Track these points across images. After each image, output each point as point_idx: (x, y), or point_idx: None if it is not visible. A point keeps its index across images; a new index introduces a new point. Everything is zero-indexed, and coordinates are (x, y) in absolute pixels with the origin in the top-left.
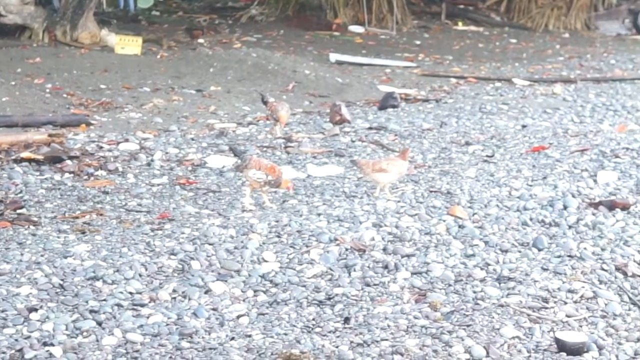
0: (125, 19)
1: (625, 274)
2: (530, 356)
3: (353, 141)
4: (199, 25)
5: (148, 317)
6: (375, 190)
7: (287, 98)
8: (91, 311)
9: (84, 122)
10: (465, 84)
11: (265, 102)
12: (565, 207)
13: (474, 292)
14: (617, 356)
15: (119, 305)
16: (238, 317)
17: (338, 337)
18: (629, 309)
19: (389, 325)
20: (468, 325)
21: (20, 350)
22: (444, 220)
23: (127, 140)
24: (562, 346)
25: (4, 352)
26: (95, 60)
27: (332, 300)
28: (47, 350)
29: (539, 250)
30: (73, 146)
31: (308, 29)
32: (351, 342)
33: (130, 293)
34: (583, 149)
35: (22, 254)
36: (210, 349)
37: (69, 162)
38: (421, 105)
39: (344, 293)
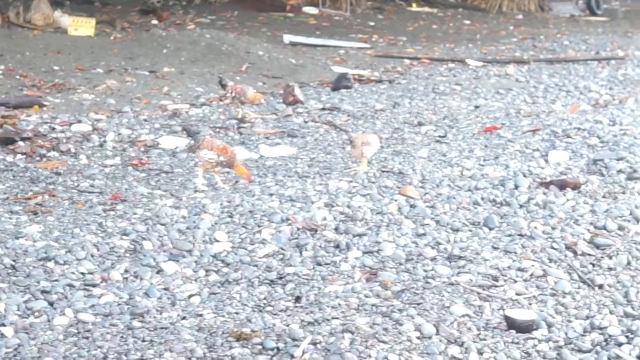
0: (78, 1)
1: (575, 252)
2: (480, 334)
3: (306, 122)
4: (153, 7)
5: (100, 297)
6: (358, 165)
7: (241, 79)
8: (43, 291)
9: (36, 104)
10: (419, 65)
11: (223, 85)
12: (516, 187)
13: (425, 270)
14: (566, 333)
15: (70, 285)
16: (189, 296)
17: (289, 315)
18: (579, 287)
19: (339, 304)
20: (418, 304)
21: None
22: (396, 200)
23: (79, 122)
24: (511, 324)
25: None
26: (48, 41)
27: (283, 279)
28: None
29: (490, 229)
30: (25, 127)
31: (262, 10)
32: (302, 320)
33: (82, 273)
34: (535, 129)
35: None
36: (162, 328)
37: (21, 143)
38: (374, 86)
39: (296, 272)
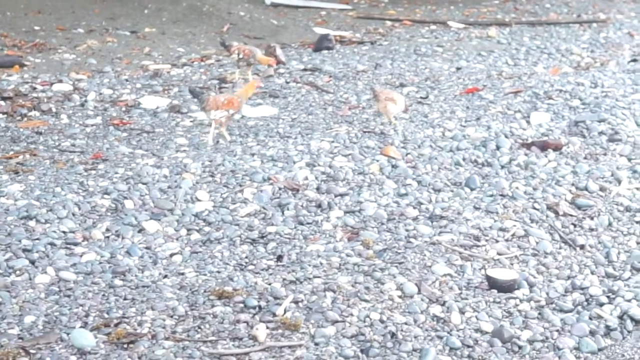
0: None
1: (556, 213)
2: (461, 293)
3: (287, 82)
4: None
5: (81, 256)
6: (386, 118)
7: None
8: (24, 250)
9: (17, 63)
10: (401, 26)
11: (227, 46)
12: (498, 148)
13: (407, 230)
14: (547, 293)
15: (52, 244)
16: (171, 255)
17: (271, 274)
18: (560, 248)
19: (321, 263)
20: (400, 263)
21: None
22: (378, 160)
23: (60, 81)
24: (493, 283)
25: None
26: (29, 1)
27: (265, 238)
28: None
29: (472, 189)
30: (6, 87)
31: None
32: (284, 279)
33: (64, 232)
34: (516, 91)
35: None
36: (144, 286)
37: (2, 102)
38: (356, 47)
39: (277, 232)
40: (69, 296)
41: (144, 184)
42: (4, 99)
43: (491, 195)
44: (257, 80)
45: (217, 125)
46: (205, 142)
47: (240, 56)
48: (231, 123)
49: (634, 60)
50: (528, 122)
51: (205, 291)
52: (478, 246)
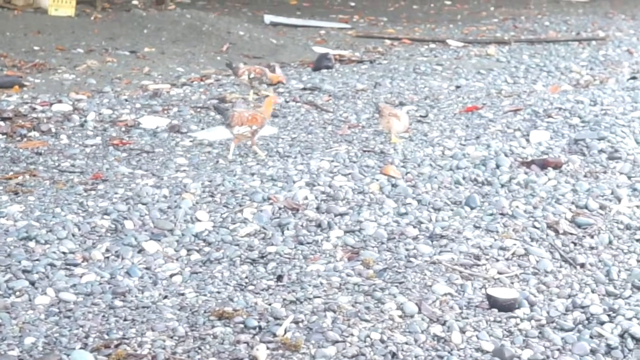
0: None
1: (556, 231)
2: (462, 312)
3: (287, 101)
4: None
5: (81, 277)
6: (390, 135)
7: (222, 59)
8: (24, 271)
9: (17, 84)
10: (400, 45)
11: (233, 68)
12: (497, 166)
13: (407, 249)
14: (548, 312)
15: (51, 265)
16: (171, 275)
17: (271, 294)
18: (560, 266)
19: (321, 283)
20: (400, 283)
21: None
22: (377, 180)
23: (60, 102)
24: (493, 302)
25: None
26: (28, 21)
27: (265, 258)
28: None
29: (472, 208)
30: (6, 107)
31: None
32: (284, 299)
33: (63, 253)
34: (516, 109)
35: None
36: (144, 307)
37: (2, 123)
38: (355, 66)
39: (277, 251)
40: (69, 317)
41: (143, 204)
42: (4, 119)
43: (491, 214)
44: (274, 97)
45: (236, 140)
46: (228, 157)
47: (252, 76)
48: (257, 142)
49: (634, 78)
50: (528, 140)
51: (205, 312)
52: (478, 265)
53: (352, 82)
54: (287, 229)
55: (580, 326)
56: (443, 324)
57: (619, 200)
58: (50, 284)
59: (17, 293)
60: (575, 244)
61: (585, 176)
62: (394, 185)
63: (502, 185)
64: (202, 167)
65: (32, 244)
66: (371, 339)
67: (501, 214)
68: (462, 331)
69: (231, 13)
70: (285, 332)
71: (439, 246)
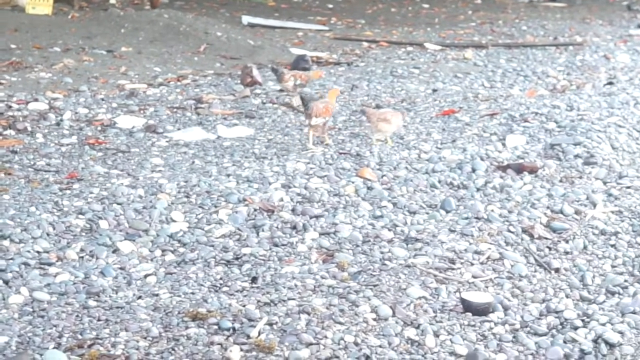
0: None
1: (531, 236)
2: (436, 316)
3: (264, 103)
4: None
5: (55, 276)
6: (378, 137)
7: (199, 60)
8: None
9: None
10: (377, 48)
11: (279, 74)
12: (473, 170)
13: (382, 252)
14: (522, 317)
15: (26, 264)
16: (145, 276)
17: (245, 296)
18: (535, 271)
19: (296, 285)
20: (375, 285)
21: None
22: (353, 182)
23: (36, 100)
24: (467, 306)
25: None
26: (5, 19)
27: (240, 260)
28: None
29: (447, 212)
30: None
31: None
32: (258, 301)
33: (38, 252)
34: (493, 113)
35: None
36: (117, 307)
37: None
38: (333, 68)
39: (252, 253)
40: (42, 317)
41: (118, 204)
42: None
43: (466, 218)
44: (337, 89)
45: (313, 130)
46: (309, 148)
47: (298, 82)
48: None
49: (610, 83)
50: (504, 144)
51: (179, 312)
52: (453, 269)
53: (329, 84)
54: (262, 231)
55: (554, 331)
56: (417, 328)
57: (594, 205)
58: (24, 283)
59: None
60: (550, 248)
61: (560, 181)
62: (370, 188)
63: (478, 189)
64: (178, 168)
65: (6, 242)
66: (345, 341)
67: (476, 217)
68: (436, 335)
69: (209, 14)
70: (259, 334)
71: (414, 249)
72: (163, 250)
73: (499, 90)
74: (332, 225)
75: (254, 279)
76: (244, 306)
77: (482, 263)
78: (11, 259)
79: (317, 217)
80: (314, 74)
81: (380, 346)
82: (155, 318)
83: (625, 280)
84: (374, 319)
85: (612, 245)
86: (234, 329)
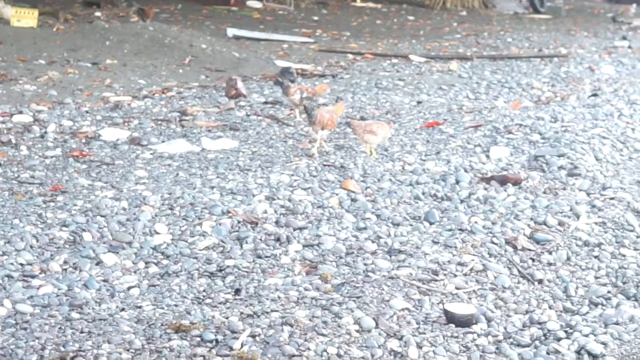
0: None
1: (515, 247)
2: (419, 327)
3: (248, 115)
4: None
5: (38, 288)
6: (364, 149)
7: (184, 72)
8: None
9: None
10: (362, 60)
11: (285, 88)
12: (457, 182)
13: (365, 264)
14: (505, 328)
15: (9, 276)
16: (129, 288)
17: (228, 308)
18: (518, 282)
19: (279, 297)
20: (358, 297)
21: None
22: (337, 194)
23: (21, 113)
24: (451, 318)
25: None
26: None
27: (223, 272)
28: None
29: (431, 223)
30: None
31: (206, 4)
32: (241, 313)
33: (21, 264)
34: (477, 125)
35: None
36: (100, 319)
37: None
38: (317, 80)
39: (235, 265)
40: (25, 329)
41: (102, 216)
42: None
43: (450, 230)
44: (343, 103)
45: (321, 140)
46: (312, 153)
47: (305, 95)
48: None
49: (594, 95)
50: (488, 156)
51: (162, 325)
52: (436, 280)
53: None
54: (246, 243)
55: (537, 342)
56: (400, 339)
57: (578, 216)
58: (7, 296)
59: None
60: (533, 260)
61: (544, 192)
62: (354, 200)
63: (462, 201)
64: (162, 180)
65: None
66: (328, 353)
67: (460, 229)
68: (419, 346)
69: (194, 26)
70: (242, 346)
71: (397, 261)
72: (146, 263)
73: (483, 102)
74: (316, 237)
75: (237, 291)
76: (226, 318)
77: (465, 274)
78: None
79: (300, 229)
80: (320, 88)
81: (363, 358)
82: (138, 330)
83: (609, 292)
84: (357, 331)
85: (596, 257)
86: (216, 340)
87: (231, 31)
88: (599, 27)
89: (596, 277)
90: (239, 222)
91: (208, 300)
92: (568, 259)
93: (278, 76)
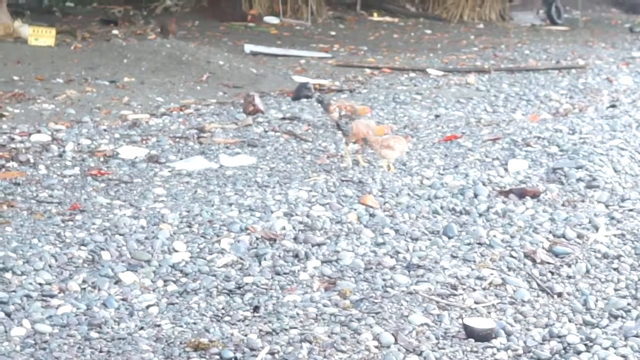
0: (39, 10)
1: (534, 260)
2: (438, 342)
3: (266, 131)
4: (114, 17)
5: (57, 308)
6: (382, 164)
7: (201, 89)
8: (0, 302)
9: None
10: (380, 74)
11: (326, 105)
12: (475, 196)
13: (384, 279)
14: (525, 342)
15: (28, 296)
16: (147, 307)
17: (247, 325)
18: (538, 296)
19: (298, 314)
20: (377, 313)
21: None
22: (355, 209)
23: (39, 132)
24: (470, 332)
25: None
26: (8, 51)
27: (241, 289)
28: None
29: (449, 238)
30: None
31: (223, 20)
32: (260, 330)
33: (40, 284)
34: (495, 138)
35: None
36: (119, 339)
37: None
38: (335, 95)
39: (254, 282)
40: (44, 349)
41: (121, 234)
42: None
43: (469, 244)
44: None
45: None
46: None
47: (343, 113)
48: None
49: (613, 106)
50: (506, 169)
51: (181, 343)
52: (455, 295)
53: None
54: (264, 259)
55: (557, 356)
56: (419, 355)
57: (597, 229)
58: (26, 316)
59: None
60: (552, 273)
61: (563, 205)
62: (372, 215)
63: (480, 215)
64: (180, 198)
65: (8, 275)
66: None
67: (479, 243)
68: None
69: (211, 43)
70: None
71: (416, 276)
72: (165, 281)
73: (501, 115)
74: (334, 253)
75: (255, 308)
76: (245, 335)
77: (484, 289)
78: (13, 291)
79: (319, 245)
80: (362, 110)
81: None
82: (157, 349)
83: (629, 304)
84: (376, 347)
85: (615, 269)
86: (235, 358)
87: (248, 47)
88: (617, 37)
89: (616, 290)
90: (257, 238)
91: (227, 318)
92: (587, 271)
93: (318, 97)
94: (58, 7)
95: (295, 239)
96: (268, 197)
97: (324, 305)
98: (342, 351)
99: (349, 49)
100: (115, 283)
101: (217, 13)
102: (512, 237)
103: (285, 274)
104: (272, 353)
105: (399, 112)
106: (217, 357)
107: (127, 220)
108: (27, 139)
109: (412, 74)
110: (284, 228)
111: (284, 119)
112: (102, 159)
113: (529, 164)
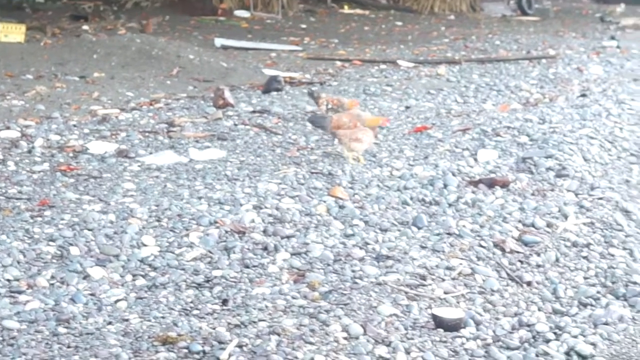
0: (8, 7)
1: (503, 250)
2: (407, 333)
3: (236, 125)
4: (84, 12)
5: (25, 304)
6: (348, 156)
7: (171, 83)
8: None
9: None
10: (351, 66)
11: (316, 98)
12: (445, 186)
13: (353, 271)
14: (494, 331)
15: None
16: (116, 301)
17: (216, 318)
18: (507, 285)
19: (267, 306)
20: (346, 304)
21: None
22: (325, 201)
23: (8, 128)
24: (439, 322)
25: None
26: None
27: (210, 282)
28: None
29: (419, 228)
30: None
31: (193, 15)
32: (229, 323)
33: (8, 280)
34: (465, 129)
35: None
36: (87, 334)
37: None
38: (305, 88)
39: (223, 275)
40: (12, 345)
41: (89, 230)
42: None
43: (438, 234)
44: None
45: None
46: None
47: (330, 106)
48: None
49: (583, 95)
50: (476, 159)
51: (149, 337)
52: (424, 285)
53: (302, 104)
54: (233, 253)
55: (526, 344)
56: (388, 345)
57: (566, 217)
58: None
59: None
60: (521, 262)
61: (532, 194)
62: (342, 207)
63: (450, 205)
64: (150, 192)
65: None
66: None
67: (448, 233)
68: (408, 352)
69: (182, 37)
70: (229, 357)
71: (385, 267)
72: (134, 275)
73: (471, 106)
74: (304, 245)
75: (224, 301)
76: (214, 329)
77: (453, 279)
78: None
79: (288, 237)
80: (350, 103)
81: None
82: (125, 343)
83: (598, 292)
84: (345, 338)
85: (584, 257)
86: (204, 352)
87: (219, 41)
88: (587, 27)
89: (585, 278)
90: (226, 232)
91: (195, 312)
92: (557, 260)
93: (309, 90)
94: (28, 3)
95: (264, 231)
96: (237, 190)
97: (293, 298)
98: (310, 343)
99: (319, 41)
100: (84, 278)
101: (187, 7)
102: (481, 226)
103: (254, 266)
104: (240, 346)
105: (369, 103)
106: (186, 350)
107: (96, 215)
108: None
109: (383, 66)
110: (253, 221)
111: (254, 112)
112: (71, 155)
113: (498, 154)
